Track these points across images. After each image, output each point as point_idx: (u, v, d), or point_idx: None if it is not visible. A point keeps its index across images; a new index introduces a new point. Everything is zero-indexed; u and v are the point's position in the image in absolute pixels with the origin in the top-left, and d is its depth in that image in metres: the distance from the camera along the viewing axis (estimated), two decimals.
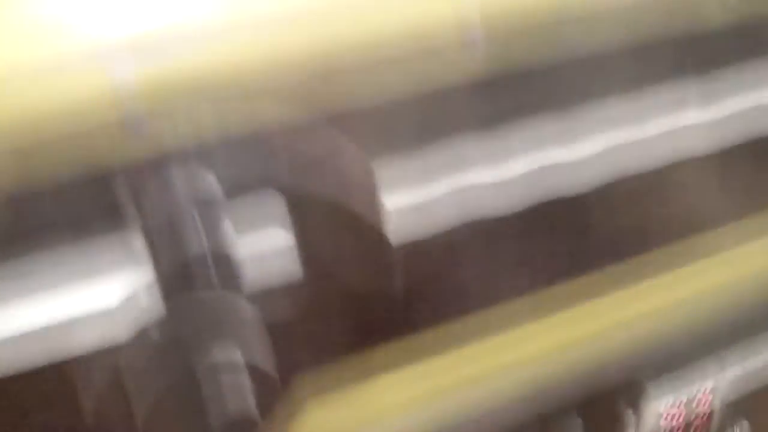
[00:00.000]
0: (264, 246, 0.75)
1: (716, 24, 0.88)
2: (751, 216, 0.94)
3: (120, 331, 0.71)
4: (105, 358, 0.72)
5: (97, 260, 0.72)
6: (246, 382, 0.69)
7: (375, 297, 0.76)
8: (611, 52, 0.84)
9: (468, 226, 0.79)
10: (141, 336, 0.71)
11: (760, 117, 0.91)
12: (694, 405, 0.90)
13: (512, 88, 0.80)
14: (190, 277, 0.70)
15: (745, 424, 0.98)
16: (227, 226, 0.71)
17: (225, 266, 0.71)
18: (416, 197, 0.78)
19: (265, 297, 0.73)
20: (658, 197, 0.88)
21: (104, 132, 0.68)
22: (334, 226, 0.74)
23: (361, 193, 0.74)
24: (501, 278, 0.83)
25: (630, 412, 0.90)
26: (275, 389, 0.72)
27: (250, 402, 0.70)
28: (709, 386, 0.91)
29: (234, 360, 0.69)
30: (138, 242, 0.71)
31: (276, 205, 0.74)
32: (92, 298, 0.72)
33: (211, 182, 0.71)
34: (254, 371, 0.70)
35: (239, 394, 0.69)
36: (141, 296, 0.72)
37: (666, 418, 0.90)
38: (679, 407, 0.89)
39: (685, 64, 0.88)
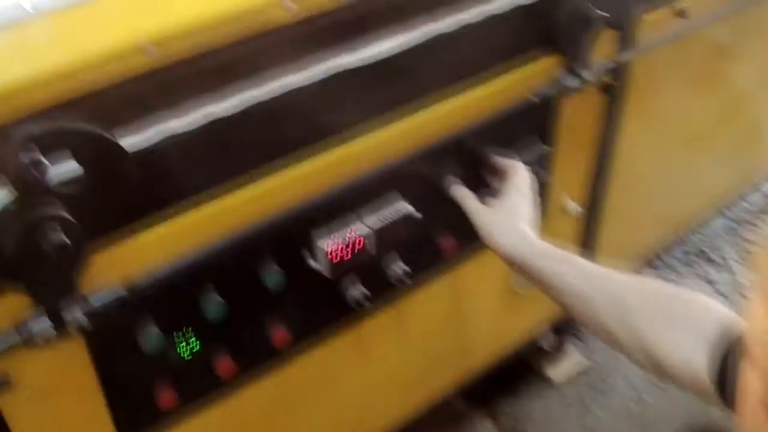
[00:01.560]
0: None
1: None
2: None
3: None
4: None
5: None
6: None
7: None
8: None
9: None
10: None
11: None
12: (349, 242, 1.24)
13: None
14: None
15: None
16: None
17: None
18: None
19: None
20: None
21: None
22: None
23: None
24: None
25: (309, 254, 1.24)
26: None
27: None
28: (356, 228, 1.25)
29: None
30: None
31: None
32: None
33: None
34: None
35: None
36: None
37: (332, 253, 1.23)
38: (339, 245, 1.23)
39: None
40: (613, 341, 1.16)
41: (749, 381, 0.73)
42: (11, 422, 1.07)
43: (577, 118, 1.56)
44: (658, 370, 1.11)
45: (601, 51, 1.49)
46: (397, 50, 1.18)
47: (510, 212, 1.29)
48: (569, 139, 1.56)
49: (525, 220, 1.29)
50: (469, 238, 1.34)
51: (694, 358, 1.04)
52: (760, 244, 0.73)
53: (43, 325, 0.99)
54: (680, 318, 1.09)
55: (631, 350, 1.14)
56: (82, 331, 1.03)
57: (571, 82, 1.45)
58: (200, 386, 1.24)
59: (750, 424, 0.77)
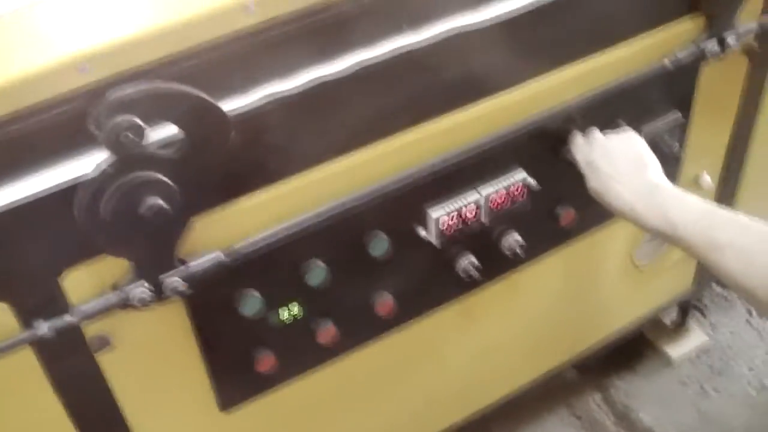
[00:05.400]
0: None
1: None
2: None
3: None
4: None
5: None
6: None
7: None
8: None
9: None
10: None
11: None
12: (463, 212, 1.19)
13: None
14: None
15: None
16: None
17: None
18: None
19: None
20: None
21: None
22: None
23: None
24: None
25: (418, 223, 1.18)
26: None
27: None
28: (472, 200, 1.19)
29: None
30: None
31: None
32: None
33: None
34: None
35: None
36: None
37: (443, 222, 1.18)
38: (451, 216, 1.18)
39: None
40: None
41: None
42: (112, 381, 1.07)
43: (716, 87, 1.44)
44: None
45: (747, 12, 1.36)
46: (527, 9, 1.10)
47: (609, 176, 1.17)
48: (706, 109, 1.45)
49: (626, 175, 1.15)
50: (588, 209, 1.27)
51: None
52: None
53: (140, 289, 0.98)
54: None
55: None
56: (181, 296, 1.01)
57: (712, 46, 1.33)
58: (300, 351, 1.21)
59: None
